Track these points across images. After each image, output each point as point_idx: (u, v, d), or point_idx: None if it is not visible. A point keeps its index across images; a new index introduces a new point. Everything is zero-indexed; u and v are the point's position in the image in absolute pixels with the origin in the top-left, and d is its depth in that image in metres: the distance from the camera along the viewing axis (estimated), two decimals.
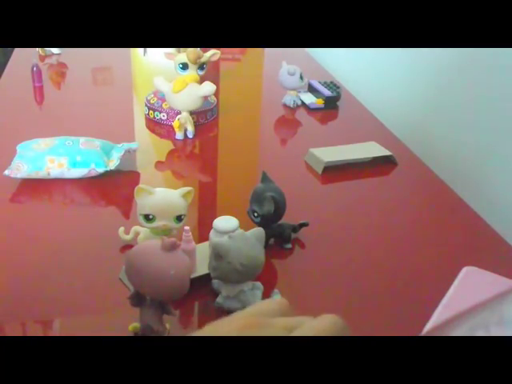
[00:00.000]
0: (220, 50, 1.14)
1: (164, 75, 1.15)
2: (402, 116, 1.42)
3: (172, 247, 0.62)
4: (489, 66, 1.11)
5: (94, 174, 0.96)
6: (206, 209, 0.95)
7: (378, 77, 1.56)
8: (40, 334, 0.67)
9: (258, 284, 0.71)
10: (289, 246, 0.83)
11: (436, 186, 1.05)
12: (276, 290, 0.72)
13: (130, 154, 1.03)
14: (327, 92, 1.37)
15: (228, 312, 0.69)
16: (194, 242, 0.72)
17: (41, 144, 0.98)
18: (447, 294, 0.68)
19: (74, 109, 1.28)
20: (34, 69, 1.36)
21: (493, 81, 1.10)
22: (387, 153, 1.11)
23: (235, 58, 1.77)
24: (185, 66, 1.11)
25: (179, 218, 0.75)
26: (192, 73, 1.11)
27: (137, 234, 0.79)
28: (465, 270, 0.73)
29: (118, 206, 0.92)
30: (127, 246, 0.80)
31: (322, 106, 1.36)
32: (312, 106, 1.36)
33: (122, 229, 0.80)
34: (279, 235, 0.83)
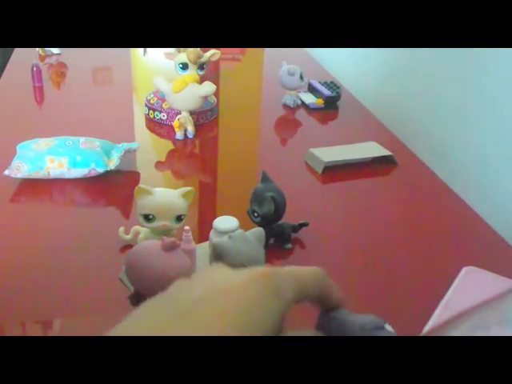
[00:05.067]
0: (220, 50, 1.14)
1: (164, 75, 1.15)
2: (402, 116, 1.42)
3: (172, 247, 0.62)
4: (490, 65, 1.11)
5: (94, 174, 0.96)
6: (206, 209, 0.95)
7: (378, 77, 1.56)
8: (40, 334, 0.67)
9: None
10: (289, 246, 0.83)
11: (436, 185, 1.05)
12: None
13: (130, 154, 1.03)
14: (327, 92, 1.37)
15: None
16: (193, 242, 0.72)
17: (41, 144, 0.98)
18: (447, 294, 0.69)
19: (74, 109, 1.28)
20: (34, 69, 1.36)
21: (494, 81, 1.10)
22: (387, 153, 1.11)
23: (235, 57, 1.77)
24: (185, 66, 1.11)
25: (179, 218, 0.75)
26: (192, 73, 1.11)
27: (137, 233, 0.79)
28: (465, 269, 0.73)
29: (118, 206, 0.92)
30: (127, 246, 0.80)
31: (322, 105, 1.36)
32: (312, 106, 1.36)
33: (122, 229, 0.80)
34: (279, 235, 0.83)
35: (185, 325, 0.26)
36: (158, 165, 1.08)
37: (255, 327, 0.26)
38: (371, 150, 1.12)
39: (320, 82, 1.43)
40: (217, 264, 0.31)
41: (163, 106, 1.22)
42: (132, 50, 1.73)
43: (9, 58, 1.57)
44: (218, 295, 0.27)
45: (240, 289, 0.27)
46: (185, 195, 0.76)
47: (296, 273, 0.31)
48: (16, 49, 1.65)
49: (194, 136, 1.18)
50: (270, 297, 0.27)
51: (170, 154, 1.13)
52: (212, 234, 0.76)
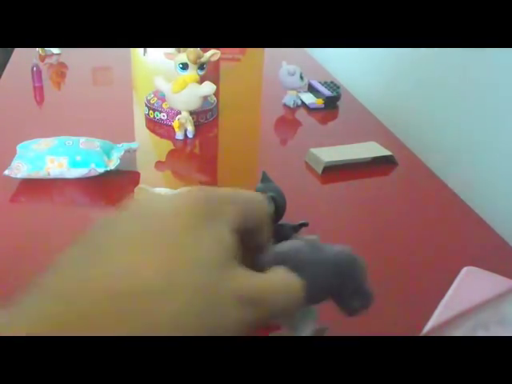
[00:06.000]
0: (220, 50, 1.14)
1: (164, 75, 1.15)
2: (402, 116, 1.42)
3: None
4: (490, 65, 1.11)
5: (93, 173, 0.96)
6: None
7: (378, 77, 1.56)
8: None
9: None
10: None
11: (436, 185, 1.05)
12: None
13: (130, 154, 1.03)
14: (327, 92, 1.37)
15: None
16: None
17: (41, 144, 0.97)
18: (447, 293, 0.69)
19: (74, 109, 1.28)
20: (34, 69, 1.36)
21: (495, 81, 1.10)
22: (387, 153, 1.11)
23: (235, 57, 1.77)
24: (185, 66, 1.11)
25: None
26: (192, 73, 1.11)
27: None
28: (465, 270, 0.73)
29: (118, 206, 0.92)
30: None
31: (322, 105, 1.36)
32: (312, 106, 1.36)
33: None
34: (279, 235, 0.82)
35: (107, 259, 0.24)
36: (158, 165, 1.07)
37: (192, 247, 0.24)
38: (371, 149, 1.12)
39: (320, 82, 1.43)
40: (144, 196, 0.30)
41: (163, 105, 1.22)
42: (132, 50, 1.73)
43: (9, 58, 1.57)
44: (147, 226, 0.26)
45: (172, 217, 0.25)
46: None
47: (236, 195, 0.28)
48: (16, 49, 1.65)
49: (194, 136, 1.18)
50: (204, 220, 0.25)
51: (170, 154, 1.13)
52: None
